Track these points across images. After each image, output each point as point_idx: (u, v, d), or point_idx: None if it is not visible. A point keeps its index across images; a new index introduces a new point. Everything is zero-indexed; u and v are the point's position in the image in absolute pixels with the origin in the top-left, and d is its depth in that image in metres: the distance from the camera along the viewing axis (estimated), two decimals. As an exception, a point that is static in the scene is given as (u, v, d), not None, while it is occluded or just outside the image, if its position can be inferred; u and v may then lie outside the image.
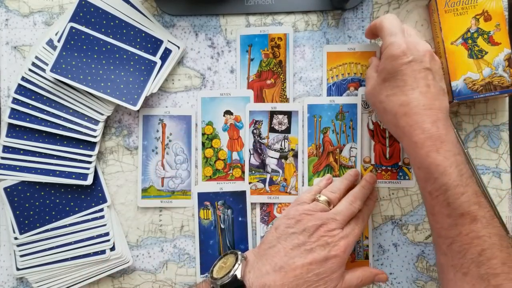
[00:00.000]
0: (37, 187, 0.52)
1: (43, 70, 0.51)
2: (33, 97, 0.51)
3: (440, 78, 0.45)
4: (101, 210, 0.53)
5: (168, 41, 0.53)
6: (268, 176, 0.53)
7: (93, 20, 0.52)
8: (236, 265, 0.44)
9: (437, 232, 0.43)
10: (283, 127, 0.54)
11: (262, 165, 0.53)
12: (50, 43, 0.52)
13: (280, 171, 0.53)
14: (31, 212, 0.52)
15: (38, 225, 0.52)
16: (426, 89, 0.43)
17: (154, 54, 0.53)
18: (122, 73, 0.52)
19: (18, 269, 0.52)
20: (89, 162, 0.52)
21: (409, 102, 0.42)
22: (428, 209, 0.43)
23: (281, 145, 0.53)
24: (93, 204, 0.53)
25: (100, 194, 0.53)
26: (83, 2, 0.52)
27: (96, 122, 0.52)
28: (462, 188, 0.40)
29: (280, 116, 0.54)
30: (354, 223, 0.47)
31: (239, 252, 0.46)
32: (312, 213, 0.46)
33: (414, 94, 0.42)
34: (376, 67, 0.47)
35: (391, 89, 0.44)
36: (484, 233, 0.39)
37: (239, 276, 0.43)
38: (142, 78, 0.52)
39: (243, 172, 0.54)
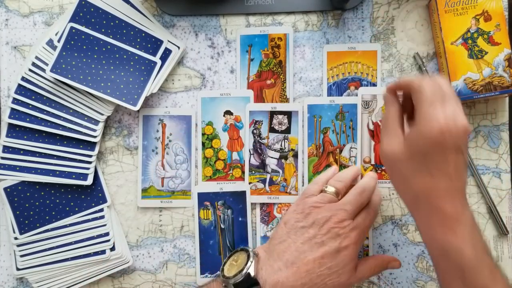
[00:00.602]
0: (37, 187, 0.52)
1: (43, 70, 0.51)
2: (33, 97, 0.51)
3: (465, 150, 0.40)
4: (101, 210, 0.53)
5: (168, 41, 0.53)
6: (268, 176, 0.53)
7: (93, 20, 0.52)
8: (249, 263, 0.42)
9: None
10: (283, 127, 0.54)
11: (262, 165, 0.53)
12: (50, 43, 0.52)
13: (280, 171, 0.53)
14: (31, 212, 0.52)
15: (38, 225, 0.52)
16: (454, 172, 0.38)
17: (154, 54, 0.53)
18: (122, 73, 0.52)
19: (18, 269, 0.52)
20: (89, 162, 0.52)
21: (433, 183, 0.39)
22: (440, 275, 0.41)
23: (281, 145, 0.53)
24: (93, 204, 0.53)
25: (100, 194, 0.53)
26: (83, 2, 0.52)
27: (96, 122, 0.52)
28: (478, 268, 0.37)
29: (280, 116, 0.53)
30: (365, 213, 0.46)
31: (250, 249, 0.45)
32: (320, 205, 0.45)
33: (441, 176, 0.38)
34: (403, 124, 0.42)
35: (418, 164, 0.39)
36: None
37: (252, 274, 0.42)
38: (142, 78, 0.52)
39: (243, 172, 0.54)
